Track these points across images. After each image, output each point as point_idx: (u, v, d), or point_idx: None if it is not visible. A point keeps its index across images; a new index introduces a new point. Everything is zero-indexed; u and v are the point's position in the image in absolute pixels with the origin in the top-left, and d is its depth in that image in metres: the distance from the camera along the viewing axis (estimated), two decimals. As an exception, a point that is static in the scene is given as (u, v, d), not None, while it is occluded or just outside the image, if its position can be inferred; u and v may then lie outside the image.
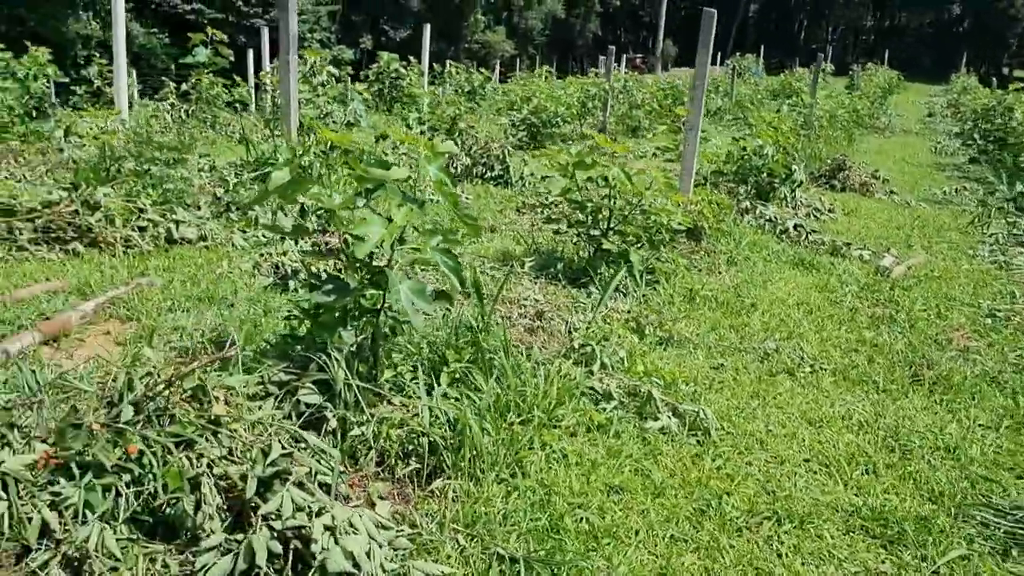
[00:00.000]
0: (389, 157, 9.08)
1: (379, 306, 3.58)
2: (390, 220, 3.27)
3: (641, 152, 14.57)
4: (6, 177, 9.01)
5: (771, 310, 5.73)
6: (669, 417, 3.92)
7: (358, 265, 3.46)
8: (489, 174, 10.48)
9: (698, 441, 3.79)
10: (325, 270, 3.83)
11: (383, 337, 3.62)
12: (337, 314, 3.55)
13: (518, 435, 3.46)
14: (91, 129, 11.61)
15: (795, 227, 8.17)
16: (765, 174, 9.44)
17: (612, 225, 6.10)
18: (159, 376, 3.04)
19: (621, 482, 3.35)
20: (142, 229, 6.35)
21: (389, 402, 3.49)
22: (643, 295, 5.79)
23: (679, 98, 21.46)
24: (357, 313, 3.58)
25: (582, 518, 3.08)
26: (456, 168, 10.46)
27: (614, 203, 6.05)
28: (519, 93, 17.21)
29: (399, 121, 14.32)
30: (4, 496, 2.78)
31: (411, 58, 20.15)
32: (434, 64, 23.13)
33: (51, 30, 31.37)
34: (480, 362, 3.79)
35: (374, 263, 3.48)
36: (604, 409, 3.94)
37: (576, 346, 4.44)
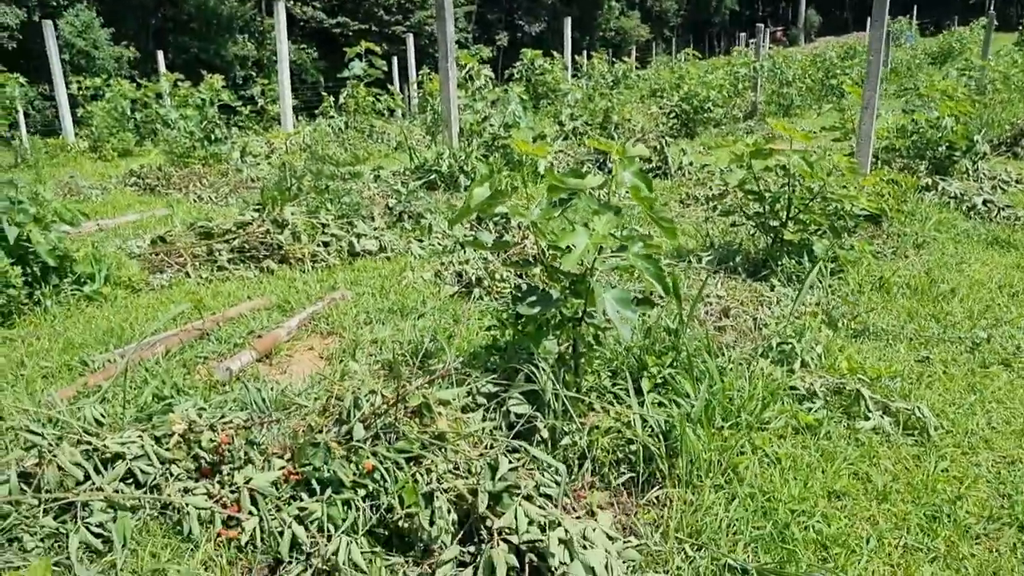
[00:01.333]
0: (547, 159, 9.13)
1: (580, 315, 3.60)
2: (591, 230, 3.28)
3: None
4: (195, 199, 9.64)
5: (972, 295, 5.40)
6: (881, 416, 3.76)
7: (559, 275, 3.49)
8: (647, 166, 10.37)
9: (916, 441, 3.63)
10: (526, 281, 3.88)
11: (587, 346, 3.63)
12: (540, 324, 3.60)
13: (729, 440, 3.41)
14: (261, 148, 12.27)
15: (984, 203, 7.68)
16: (944, 147, 8.91)
17: (792, 214, 5.92)
18: (382, 395, 3.17)
19: (842, 487, 3.24)
20: (326, 244, 6.64)
21: (595, 410, 3.51)
22: (829, 286, 5.59)
23: (831, 71, 20.59)
24: (559, 322, 3.62)
25: (807, 526, 3.00)
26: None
27: (794, 191, 5.86)
28: (668, 80, 16.95)
29: (550, 119, 14.38)
30: (255, 512, 2.98)
31: (554, 52, 20.20)
32: (574, 56, 23.11)
33: (212, 55, 33.31)
34: (681, 366, 3.75)
35: (575, 272, 3.50)
36: (810, 409, 3.82)
37: (773, 344, 4.33)
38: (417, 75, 19.19)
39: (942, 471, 3.37)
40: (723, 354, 4.18)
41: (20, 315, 5.31)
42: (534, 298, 3.47)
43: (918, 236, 6.79)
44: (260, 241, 6.52)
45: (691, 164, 10.37)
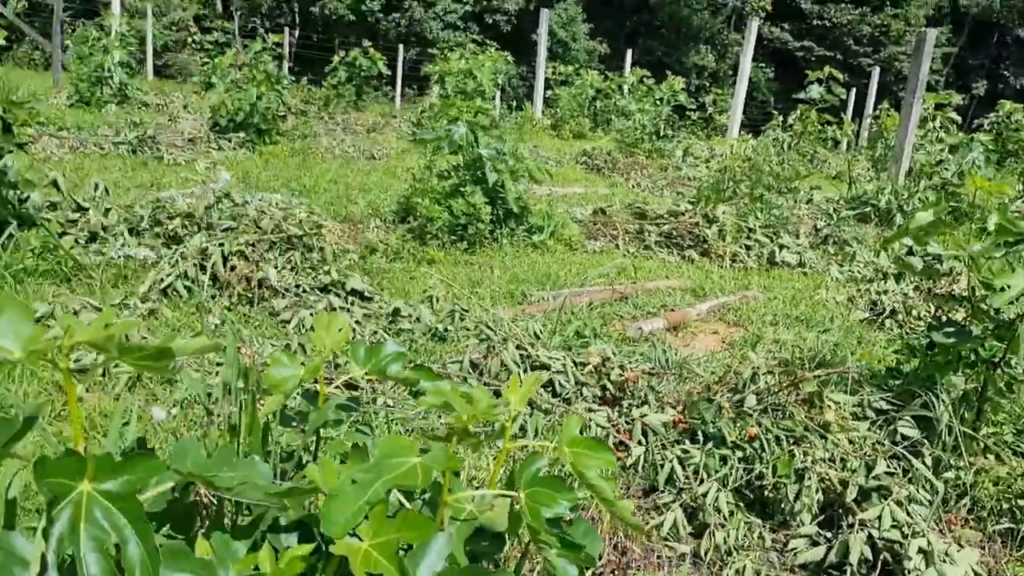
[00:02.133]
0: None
1: (997, 359, 3.53)
2: (1032, 274, 3.22)
3: None
4: (633, 185, 10.43)
5: None
6: None
7: (985, 316, 3.45)
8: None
9: None
10: (944, 315, 3.87)
11: (997, 392, 3.55)
12: (950, 358, 3.59)
13: None
14: (703, 152, 12.80)
15: None
16: None
17: None
18: (779, 378, 3.43)
19: None
20: (748, 247, 6.93)
21: (990, 456, 3.43)
22: None
23: None
24: (971, 360, 3.58)
25: None
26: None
27: None
28: None
29: (1015, 177, 13.19)
30: (644, 443, 3.41)
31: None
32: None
33: (674, 61, 34.84)
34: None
35: (1001, 315, 3.44)
36: None
37: None
38: (875, 109, 18.52)
39: None
40: None
41: (481, 247, 6.33)
42: (952, 330, 3.48)
43: None
44: (688, 231, 7.00)
45: None
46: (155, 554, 1.24)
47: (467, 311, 4.26)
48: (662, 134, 12.99)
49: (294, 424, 2.00)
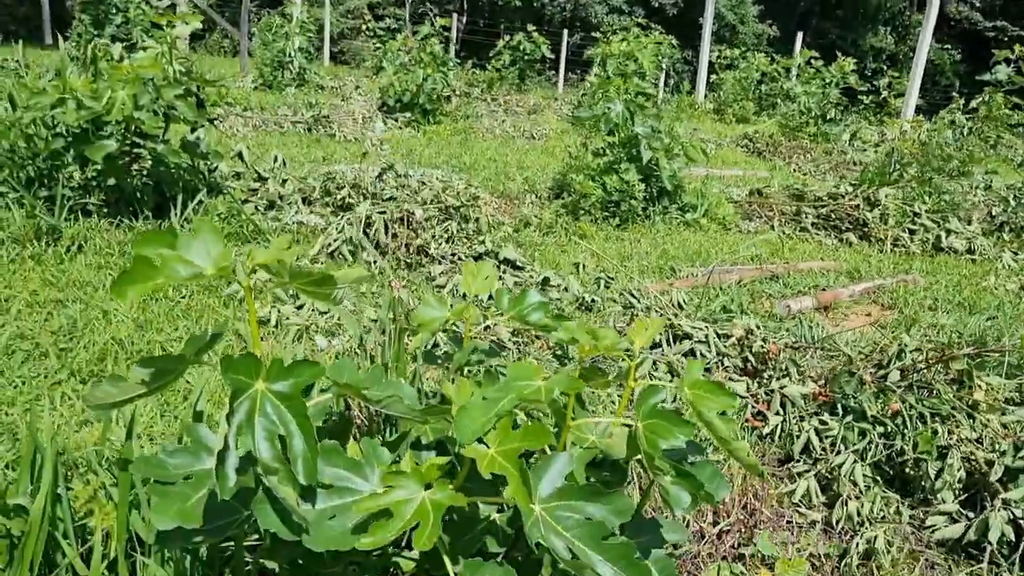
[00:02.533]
0: None
1: None
2: None
3: None
4: (794, 169, 10.18)
5: None
6: None
7: None
8: None
9: None
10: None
11: None
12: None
13: None
14: (872, 136, 12.28)
15: None
16: None
17: None
18: (927, 355, 3.36)
19: None
20: (911, 232, 6.68)
21: None
22: None
23: None
24: None
25: None
26: None
27: None
28: None
29: None
30: (781, 412, 3.43)
31: None
32: None
33: (849, 43, 33.31)
34: None
35: None
36: None
37: None
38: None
39: None
40: None
41: (632, 223, 6.40)
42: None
43: None
44: (847, 214, 6.81)
45: None
46: (315, 448, 1.44)
47: (613, 279, 4.36)
48: (828, 118, 12.54)
49: (439, 361, 2.19)
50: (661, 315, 3.97)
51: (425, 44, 11.44)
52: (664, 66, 18.12)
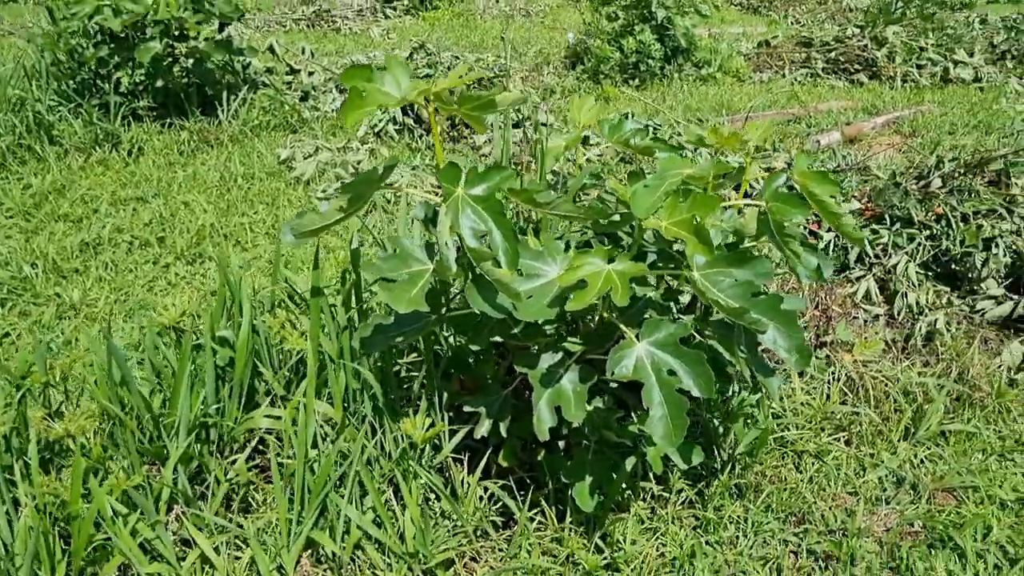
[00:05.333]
0: None
1: None
2: None
3: None
4: (792, 22, 10.25)
5: None
6: None
7: None
8: None
9: None
10: None
11: None
12: None
13: None
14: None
15: None
16: None
17: None
18: (963, 160, 3.64)
19: None
20: (920, 66, 6.87)
21: None
22: None
23: None
24: None
25: None
26: None
27: None
28: None
29: None
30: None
31: None
32: None
33: None
34: None
35: None
36: None
37: None
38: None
39: None
40: None
41: (652, 82, 6.58)
42: None
43: None
44: (856, 56, 6.98)
45: None
46: (513, 239, 1.72)
47: (660, 126, 4.60)
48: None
49: (558, 187, 2.46)
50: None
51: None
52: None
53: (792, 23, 10.21)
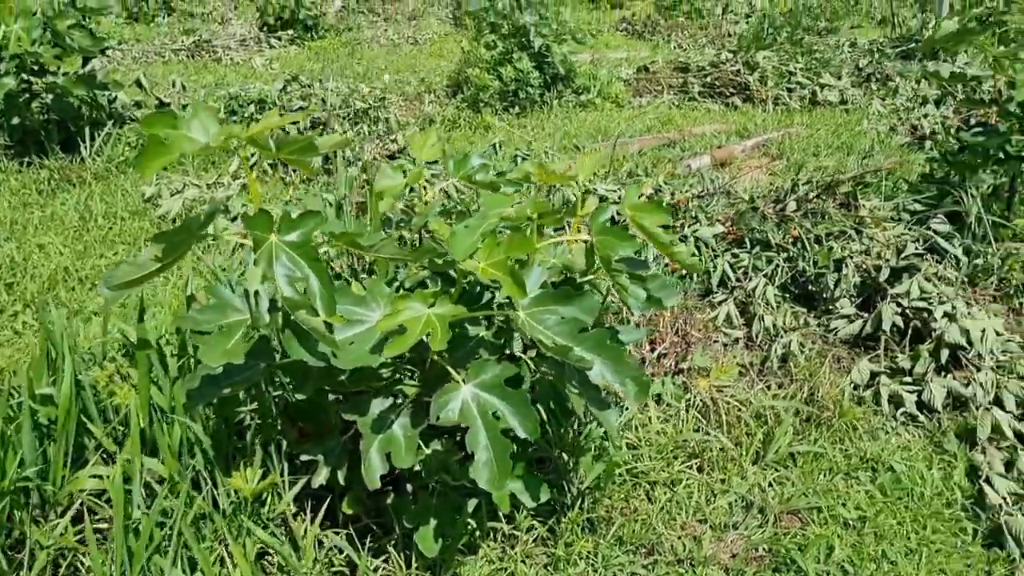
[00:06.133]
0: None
1: None
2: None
3: None
4: (675, 47, 10.51)
5: None
6: None
7: (1011, 112, 3.71)
8: None
9: None
10: (979, 119, 4.12)
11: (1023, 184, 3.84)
12: (979, 157, 3.87)
13: None
14: (744, 7, 12.67)
15: None
16: None
17: None
18: (816, 184, 3.77)
19: None
20: (790, 90, 7.12)
21: (1020, 240, 3.75)
22: None
23: None
24: (1002, 157, 3.85)
25: None
26: None
27: None
28: None
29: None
30: (697, 253, 3.81)
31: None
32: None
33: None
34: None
35: (1027, 108, 3.69)
36: None
37: None
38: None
39: None
40: None
41: (532, 110, 6.64)
42: (980, 130, 3.75)
43: None
44: (730, 80, 7.20)
45: None
46: (329, 286, 1.68)
47: (529, 154, 4.63)
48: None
49: (401, 224, 2.43)
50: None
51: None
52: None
53: (674, 47, 10.47)
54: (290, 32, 10.15)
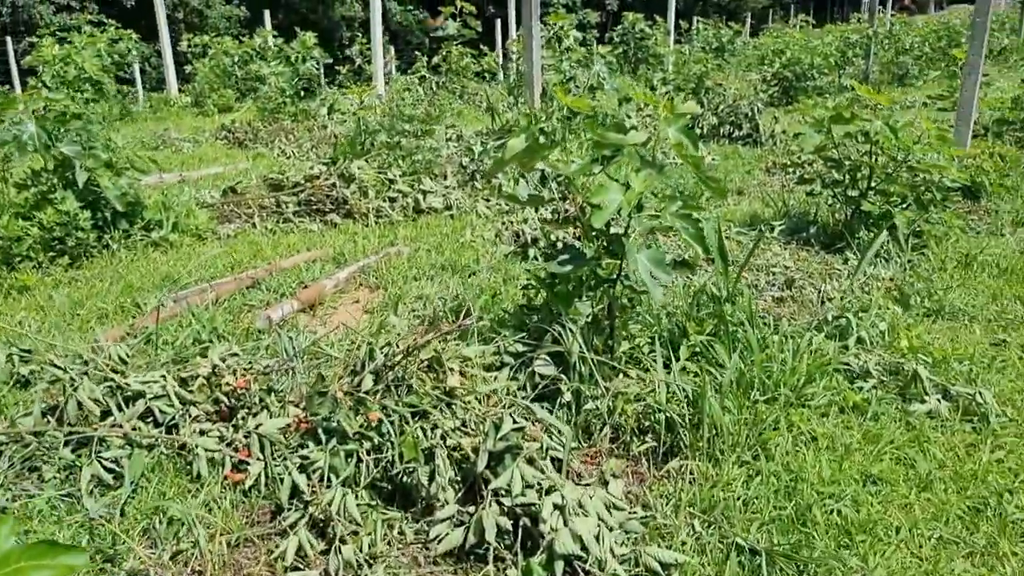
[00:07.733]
0: (632, 120, 8.89)
1: (616, 276, 3.44)
2: (628, 186, 3.11)
3: (909, 102, 13.37)
4: (278, 154, 9.77)
5: (1068, 278, 4.97)
6: (938, 400, 3.48)
7: (595, 234, 3.34)
8: (737, 133, 10.01)
9: (973, 428, 3.34)
10: (563, 239, 3.75)
11: (620, 308, 3.48)
12: (573, 284, 3.46)
13: (762, 414, 3.21)
14: (351, 106, 12.32)
15: (1101, 181, 7.07)
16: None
17: (873, 184, 5.56)
18: (398, 346, 3.10)
19: (879, 472, 3.01)
20: (392, 200, 6.61)
21: (626, 375, 3.36)
22: (908, 261, 5.23)
23: (955, 40, 19.44)
24: (594, 283, 3.47)
25: (833, 510, 2.79)
26: (702, 128, 10.10)
27: (876, 160, 5.50)
28: (770, 46, 16.32)
29: (643, 83, 14.03)
30: (261, 457, 2.96)
31: (656, 17, 19.70)
32: (680, 22, 22.51)
33: (320, 15, 33.85)
34: (723, 334, 3.56)
35: (611, 231, 3.34)
36: (860, 389, 3.57)
37: (829, 317, 4.07)
38: (517, 36, 19.00)
39: (996, 462, 3.09)
40: (774, 326, 3.95)
41: (89, 258, 5.47)
42: (566, 256, 3.33)
43: (1019, 214, 6.31)
44: (326, 195, 6.54)
45: (783, 132, 9.94)
46: None
47: (29, 352, 3.51)
48: (303, 95, 12.33)
49: None
50: (104, 378, 3.24)
51: None
52: (129, 61, 16.58)
53: (277, 155, 9.72)
54: None
